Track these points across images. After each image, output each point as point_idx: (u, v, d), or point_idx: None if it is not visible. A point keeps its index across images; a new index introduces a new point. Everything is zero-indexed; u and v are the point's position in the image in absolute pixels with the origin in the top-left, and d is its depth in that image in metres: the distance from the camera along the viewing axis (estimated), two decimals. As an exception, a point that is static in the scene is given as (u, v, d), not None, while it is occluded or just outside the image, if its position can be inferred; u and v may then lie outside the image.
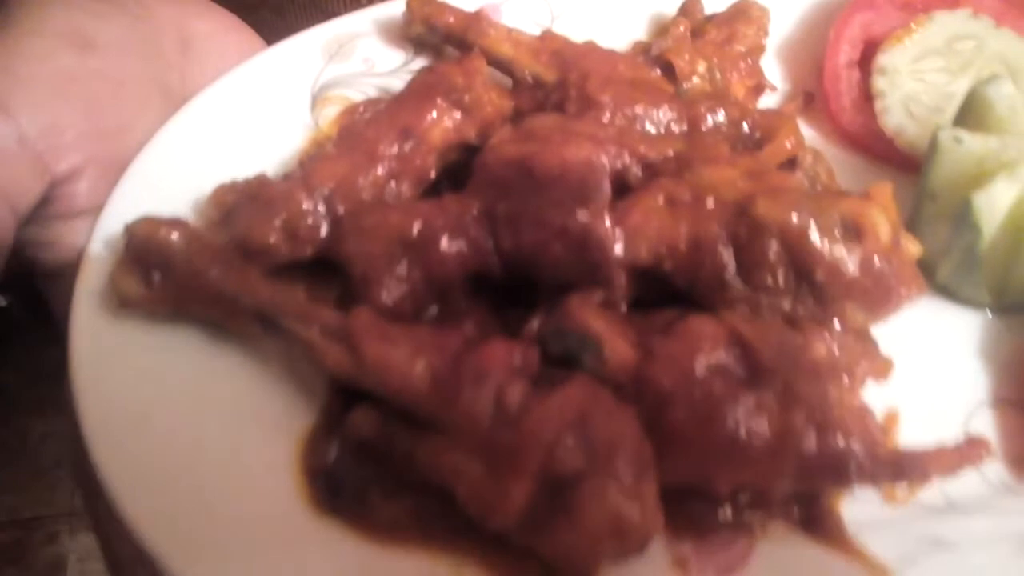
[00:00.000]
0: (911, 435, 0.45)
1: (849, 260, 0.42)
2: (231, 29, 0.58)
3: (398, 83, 0.56)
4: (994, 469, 0.45)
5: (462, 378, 0.38)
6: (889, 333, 0.45)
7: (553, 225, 0.43)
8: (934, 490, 0.44)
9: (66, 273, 0.47)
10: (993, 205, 0.45)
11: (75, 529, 1.76)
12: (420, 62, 0.57)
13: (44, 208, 0.47)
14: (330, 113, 0.54)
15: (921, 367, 0.47)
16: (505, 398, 0.37)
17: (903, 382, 0.45)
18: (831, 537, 0.41)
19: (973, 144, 0.47)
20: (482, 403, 0.37)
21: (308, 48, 0.56)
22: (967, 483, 0.44)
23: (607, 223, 0.42)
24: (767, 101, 0.58)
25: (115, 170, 0.49)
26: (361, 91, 0.56)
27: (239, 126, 0.52)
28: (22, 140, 0.45)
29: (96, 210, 0.48)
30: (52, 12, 0.50)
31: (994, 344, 0.49)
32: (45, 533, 1.74)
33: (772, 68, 0.59)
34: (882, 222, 0.42)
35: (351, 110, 0.54)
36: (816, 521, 0.41)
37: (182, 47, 0.54)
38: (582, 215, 0.43)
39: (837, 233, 0.42)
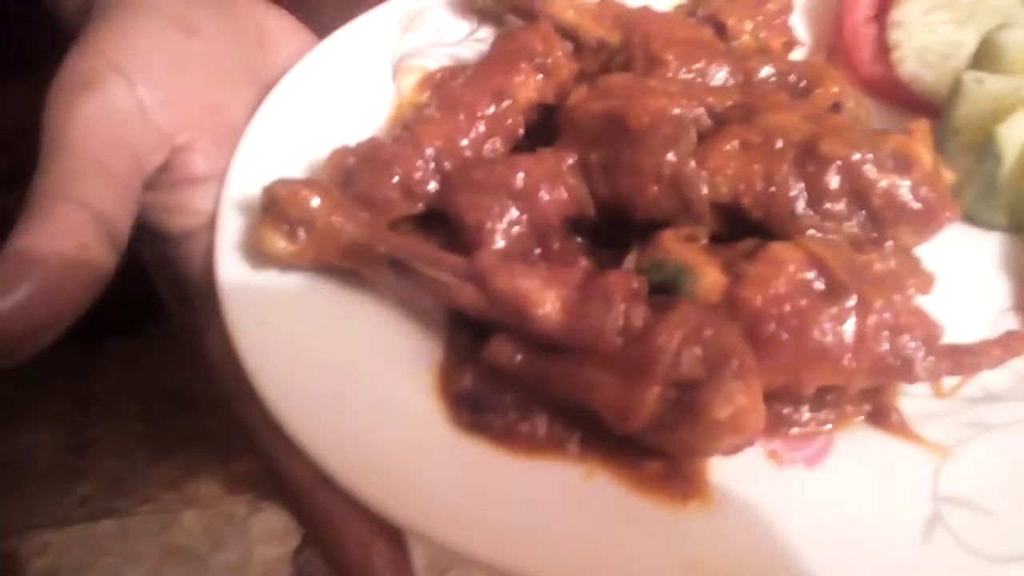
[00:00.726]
0: (951, 338, 0.53)
1: (901, 188, 0.48)
2: (294, 27, 0.63)
3: (466, 51, 0.61)
4: (1021, 364, 0.52)
5: (591, 304, 0.44)
6: (925, 254, 0.52)
7: (648, 170, 0.49)
8: (974, 384, 0.51)
9: (195, 235, 0.52)
10: (1014, 135, 0.52)
11: (68, 540, 1.78)
12: (484, 31, 0.63)
13: (166, 175, 0.50)
14: (410, 81, 0.59)
15: (952, 282, 0.54)
16: (630, 318, 0.43)
17: (939, 295, 0.53)
18: (895, 428, 0.48)
19: (993, 84, 0.54)
20: (611, 324, 0.43)
21: (385, 22, 0.61)
22: (1000, 376, 0.51)
23: (693, 165, 0.49)
24: (797, 55, 0.65)
25: (224, 141, 0.53)
26: (435, 60, 0.61)
27: (333, 96, 0.57)
28: (143, 109, 0.48)
29: (214, 177, 0.52)
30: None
31: (1012, 260, 0.57)
32: (37, 543, 1.74)
33: (800, 24, 0.66)
34: (925, 154, 0.49)
35: (429, 78, 0.59)
36: (882, 415, 0.48)
37: (260, 38, 0.59)
38: (672, 158, 0.49)
39: (890, 165, 0.49)
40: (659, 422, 0.43)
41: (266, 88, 0.57)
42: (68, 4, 0.58)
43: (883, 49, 0.63)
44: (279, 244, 0.48)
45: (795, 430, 0.48)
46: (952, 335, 0.52)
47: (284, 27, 0.61)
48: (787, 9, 0.63)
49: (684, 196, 0.48)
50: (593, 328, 0.44)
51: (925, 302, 0.52)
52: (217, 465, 1.92)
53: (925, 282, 0.51)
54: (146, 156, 0.48)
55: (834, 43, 0.65)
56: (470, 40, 0.62)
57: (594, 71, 0.58)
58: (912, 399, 0.50)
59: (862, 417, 0.49)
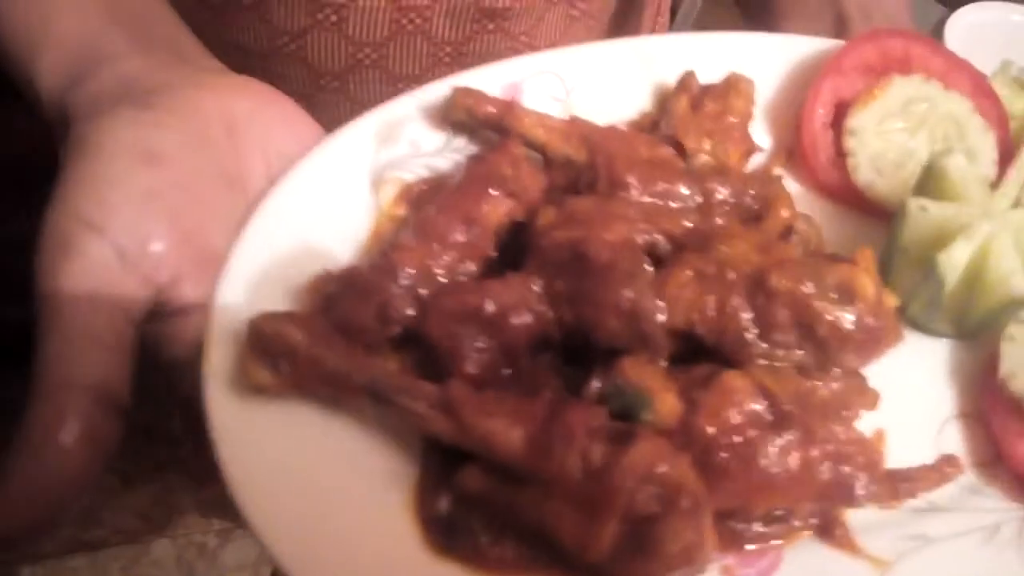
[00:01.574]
0: (894, 448, 0.56)
1: (845, 319, 0.52)
2: (269, 100, 0.62)
3: (442, 162, 0.64)
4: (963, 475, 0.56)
5: (553, 441, 0.47)
6: (876, 363, 0.56)
7: (608, 304, 0.52)
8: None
9: (186, 364, 0.54)
10: (953, 262, 0.56)
11: (40, 574, 1.79)
12: (459, 141, 0.65)
13: (158, 308, 0.53)
14: (388, 193, 0.62)
15: (899, 391, 0.58)
16: (590, 455, 0.47)
17: (888, 405, 0.56)
18: (840, 541, 0.52)
19: (935, 211, 0.57)
20: (572, 460, 0.47)
21: (361, 136, 0.64)
22: (943, 488, 0.55)
23: (651, 299, 0.52)
24: (756, 158, 0.68)
25: (208, 264, 0.55)
26: (411, 171, 0.64)
27: (313, 213, 0.60)
28: (122, 257, 0.50)
29: (200, 302, 0.54)
30: (120, 131, 0.54)
31: (957, 366, 0.60)
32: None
33: (759, 127, 0.69)
34: (868, 284, 0.52)
35: (407, 190, 0.62)
36: (828, 529, 0.52)
37: (228, 131, 0.58)
38: (629, 293, 0.52)
39: (834, 296, 0.52)
40: (616, 554, 0.46)
41: (241, 186, 0.58)
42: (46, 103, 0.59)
43: (840, 155, 0.66)
44: (263, 376, 0.51)
45: (748, 546, 0.51)
46: (898, 443, 0.56)
47: (256, 106, 0.60)
48: (746, 119, 0.66)
49: (641, 330, 0.51)
50: (555, 464, 0.47)
51: (872, 414, 0.56)
52: (188, 495, 1.94)
53: (871, 400, 0.55)
54: (132, 304, 0.50)
55: (794, 147, 0.69)
56: (446, 151, 0.65)
57: (563, 185, 0.61)
58: (860, 511, 0.53)
59: (810, 532, 0.52)
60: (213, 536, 1.93)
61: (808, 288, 0.51)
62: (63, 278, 0.49)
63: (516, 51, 0.81)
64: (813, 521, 0.52)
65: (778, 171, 0.67)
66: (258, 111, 0.61)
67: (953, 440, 0.57)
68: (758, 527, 0.52)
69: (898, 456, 0.55)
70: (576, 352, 0.56)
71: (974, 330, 0.59)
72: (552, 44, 0.86)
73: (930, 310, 0.58)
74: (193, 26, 0.69)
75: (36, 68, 0.59)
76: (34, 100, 0.60)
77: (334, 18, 0.76)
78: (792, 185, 0.67)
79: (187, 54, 0.65)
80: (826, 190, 0.67)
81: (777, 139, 0.70)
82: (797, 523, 0.52)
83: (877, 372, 0.56)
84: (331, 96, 0.79)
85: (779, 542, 0.52)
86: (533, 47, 0.84)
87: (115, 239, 0.50)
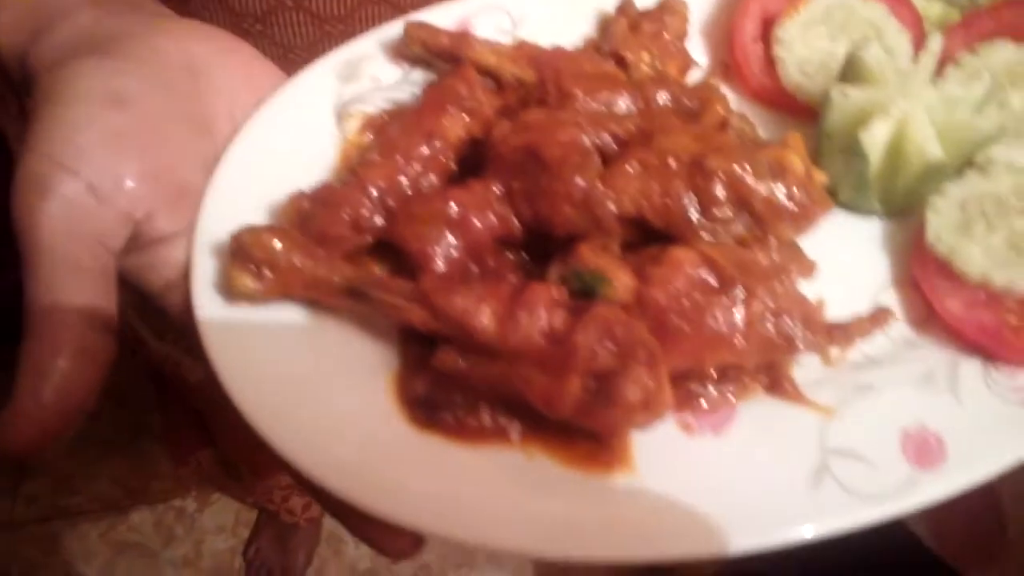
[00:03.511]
0: (835, 314, 0.61)
1: (777, 192, 0.57)
2: (225, 44, 0.65)
3: (402, 94, 0.69)
4: (898, 331, 0.60)
5: (518, 313, 0.52)
6: (813, 242, 0.61)
7: (561, 194, 0.57)
8: (856, 353, 0.60)
9: (174, 286, 0.58)
10: (874, 138, 0.61)
11: (17, 540, 1.80)
12: (417, 74, 0.70)
13: (136, 241, 0.56)
14: (353, 125, 0.67)
15: (838, 264, 0.63)
16: (552, 323, 0.52)
17: (827, 276, 0.61)
18: (789, 394, 0.57)
19: (856, 96, 0.62)
20: (536, 329, 0.51)
21: (324, 74, 0.68)
22: (880, 344, 0.60)
23: (600, 186, 0.57)
24: (695, 74, 0.73)
25: (182, 199, 0.58)
26: (373, 104, 0.68)
27: (284, 146, 0.64)
28: (97, 195, 0.53)
29: (180, 232, 0.58)
30: (84, 78, 0.56)
31: (890, 240, 0.65)
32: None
33: (697, 46, 0.74)
34: (797, 161, 0.58)
35: (370, 121, 0.67)
36: (777, 385, 0.57)
37: (189, 73, 0.61)
38: (581, 181, 0.57)
39: (766, 173, 0.57)
40: (582, 407, 0.51)
41: (206, 127, 0.61)
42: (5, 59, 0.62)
43: (770, 64, 0.71)
44: (248, 283, 0.55)
45: (704, 403, 0.56)
46: (840, 310, 0.61)
47: (214, 51, 0.63)
48: (682, 36, 0.71)
49: (594, 214, 0.56)
50: (521, 333, 0.52)
51: (816, 284, 0.61)
52: (165, 461, 1.96)
53: (807, 268, 0.60)
54: (111, 238, 0.53)
55: (728, 61, 0.74)
56: (404, 84, 0.70)
57: (515, 106, 0.66)
58: (805, 369, 0.58)
59: (761, 388, 0.57)
60: (191, 501, 1.95)
61: (742, 167, 0.56)
62: (42, 216, 0.51)
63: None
64: (763, 379, 0.57)
65: (715, 83, 0.72)
66: (218, 55, 0.63)
67: (889, 304, 0.62)
68: (713, 387, 0.57)
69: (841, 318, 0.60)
70: (539, 250, 0.61)
71: (902, 205, 0.64)
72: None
73: (859, 190, 0.63)
74: None
75: None
76: None
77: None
78: (729, 95, 0.72)
79: (138, 2, 0.67)
80: (759, 97, 0.72)
81: (713, 56, 0.75)
82: (748, 381, 0.57)
83: (816, 249, 0.61)
84: (256, 41, 0.80)
85: (733, 399, 0.56)
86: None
87: (89, 178, 0.53)
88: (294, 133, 0.65)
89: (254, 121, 0.64)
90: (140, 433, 1.98)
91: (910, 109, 0.60)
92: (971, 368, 0.57)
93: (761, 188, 0.57)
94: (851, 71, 0.64)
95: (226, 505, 1.96)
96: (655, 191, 0.57)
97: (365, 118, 0.67)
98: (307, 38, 0.84)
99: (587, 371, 0.50)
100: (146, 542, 1.92)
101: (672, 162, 0.57)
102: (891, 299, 0.62)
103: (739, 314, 0.53)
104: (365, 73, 0.69)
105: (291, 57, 0.86)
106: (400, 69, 0.70)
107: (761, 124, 0.71)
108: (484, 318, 0.52)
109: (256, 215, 0.61)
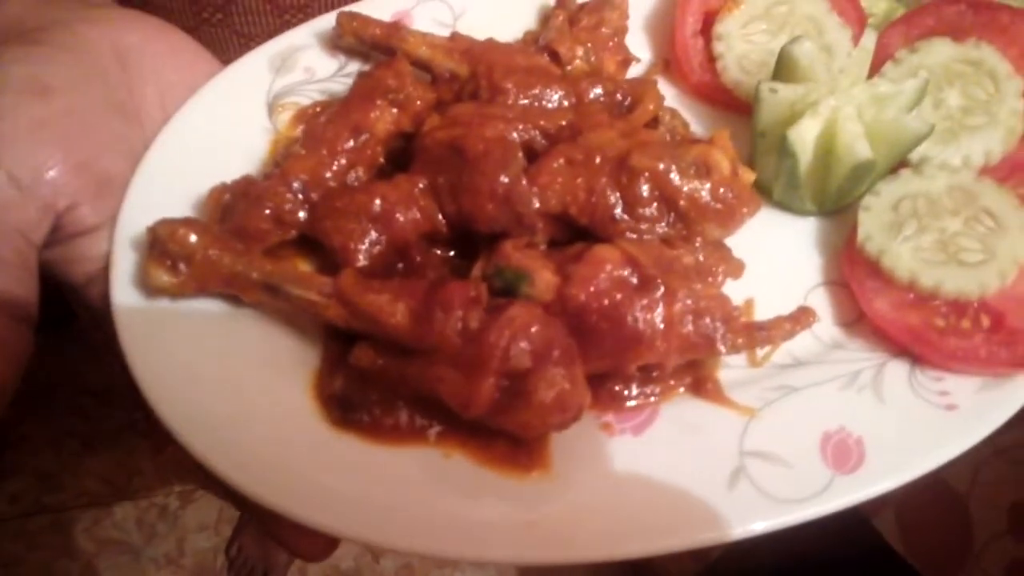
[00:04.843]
0: (764, 314, 0.60)
1: (702, 190, 0.56)
2: (159, 33, 0.64)
3: (337, 86, 0.68)
4: (827, 332, 0.60)
5: (433, 311, 0.51)
6: (745, 240, 0.60)
7: (484, 190, 0.56)
8: (783, 353, 0.59)
9: (96, 280, 0.57)
10: (803, 137, 0.60)
11: (0, 536, 1.79)
12: (353, 65, 0.69)
13: (59, 233, 0.55)
14: (285, 118, 0.66)
15: (769, 263, 0.62)
16: (468, 322, 0.51)
17: (757, 276, 0.61)
18: (711, 395, 0.56)
19: (785, 92, 0.62)
20: (451, 327, 0.51)
21: (257, 65, 0.67)
22: (807, 344, 0.59)
23: (524, 183, 0.56)
24: (636, 69, 0.73)
25: (106, 189, 0.57)
26: (307, 96, 0.67)
27: (212, 138, 0.63)
28: (18, 185, 0.52)
29: (104, 224, 0.57)
30: (9, 66, 0.55)
31: (823, 240, 0.65)
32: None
33: (639, 41, 0.73)
34: (723, 160, 0.57)
35: (302, 113, 0.66)
36: (700, 385, 0.57)
37: (120, 62, 0.60)
38: (504, 179, 0.56)
39: (691, 172, 0.56)
40: (496, 408, 0.50)
41: (135, 117, 0.60)
42: None
43: (710, 60, 0.71)
44: (163, 278, 0.54)
45: (625, 403, 0.56)
46: (770, 310, 0.61)
47: (146, 39, 0.62)
48: (621, 31, 0.70)
49: (515, 212, 0.56)
50: (436, 332, 0.51)
51: (746, 284, 0.61)
52: (148, 459, 1.95)
53: (735, 268, 0.60)
54: (33, 230, 0.53)
55: (669, 56, 0.73)
56: (339, 76, 0.69)
57: (449, 99, 0.65)
58: (730, 369, 0.58)
59: (684, 388, 0.57)
60: (174, 498, 1.95)
61: (667, 165, 0.56)
62: None
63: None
64: (687, 379, 0.57)
65: (656, 78, 0.71)
66: (149, 43, 0.63)
67: (819, 305, 0.61)
68: (635, 387, 0.56)
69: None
70: (468, 246, 0.60)
71: (834, 203, 0.64)
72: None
73: (791, 189, 0.63)
74: None
75: None
76: None
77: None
78: (669, 91, 0.71)
79: None
80: (700, 93, 0.71)
81: (656, 50, 0.74)
82: (672, 382, 0.56)
83: (747, 248, 0.61)
84: (218, 31, 0.81)
85: (655, 399, 0.56)
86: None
87: (10, 168, 0.52)
88: (224, 125, 0.64)
89: (183, 112, 0.64)
90: (124, 430, 1.97)
91: (839, 107, 0.60)
92: (897, 370, 0.57)
93: (686, 186, 0.56)
94: (783, 68, 0.64)
95: (209, 503, 1.95)
96: (580, 188, 0.56)
97: (297, 110, 0.66)
98: (267, 27, 0.82)
99: (501, 371, 0.50)
100: (129, 539, 1.91)
101: (598, 159, 0.57)
102: (822, 299, 0.62)
103: (659, 314, 0.53)
104: (299, 64, 0.68)
105: (252, 47, 0.85)
106: (336, 61, 0.69)
107: (701, 120, 0.71)
108: (399, 315, 0.52)
109: (180, 208, 0.60)
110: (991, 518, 1.25)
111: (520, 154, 0.57)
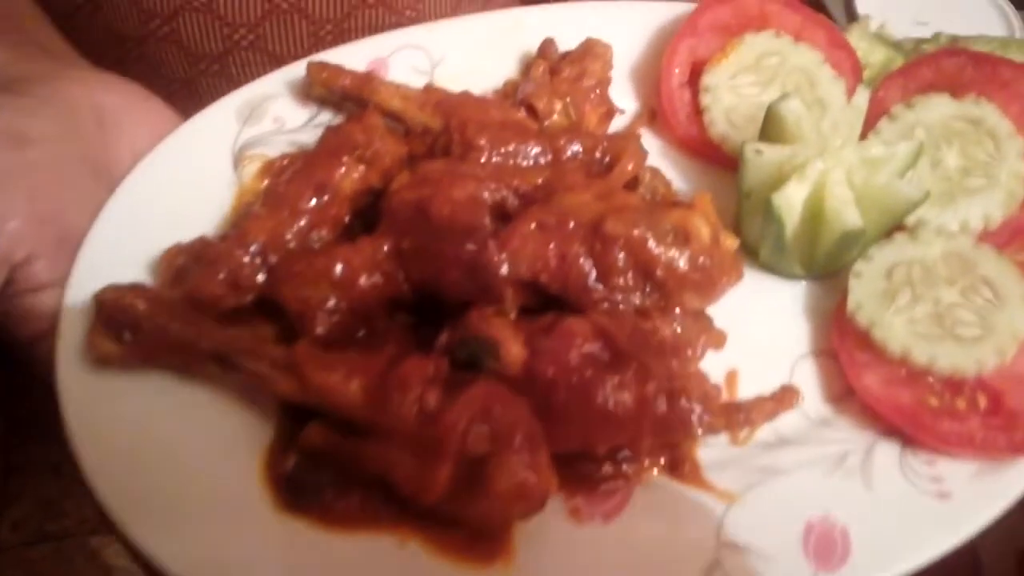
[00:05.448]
0: (750, 388, 0.57)
1: (680, 259, 0.53)
2: (138, 98, 0.64)
3: (307, 137, 0.65)
4: (814, 408, 0.57)
5: (388, 391, 0.48)
6: (728, 306, 0.57)
7: (448, 256, 0.53)
8: (768, 430, 0.56)
9: (44, 339, 0.55)
10: (789, 201, 0.57)
11: (2, 565, 1.77)
12: (325, 115, 0.66)
13: (10, 288, 0.53)
14: (251, 170, 0.63)
15: (755, 332, 0.59)
16: (424, 402, 0.48)
17: (741, 346, 0.58)
18: (688, 477, 0.53)
19: (770, 154, 0.59)
20: (406, 408, 0.48)
21: (224, 115, 0.64)
22: (793, 422, 0.56)
23: (491, 249, 0.53)
24: (622, 120, 0.70)
25: (66, 245, 0.56)
26: (275, 148, 0.65)
27: (174, 192, 0.61)
28: None
29: (58, 282, 0.55)
30: None
31: (811, 306, 0.61)
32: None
33: (624, 90, 0.70)
34: (703, 226, 0.54)
35: (269, 166, 0.63)
36: (677, 466, 0.53)
37: (97, 122, 0.60)
38: (470, 245, 0.53)
39: (669, 239, 0.53)
40: (452, 496, 0.47)
41: (108, 176, 0.59)
42: None
43: (697, 112, 0.68)
44: (108, 347, 0.52)
45: (596, 487, 0.52)
46: (753, 385, 0.58)
47: (124, 102, 0.62)
48: (604, 83, 0.67)
49: (483, 281, 0.52)
50: (391, 412, 0.48)
51: (729, 354, 0.58)
52: None
53: (716, 338, 0.56)
54: None
55: (655, 107, 0.70)
56: (310, 126, 0.66)
57: (422, 152, 0.62)
58: (710, 448, 0.55)
59: (659, 469, 0.53)
60: None
61: (643, 232, 0.53)
62: None
63: (402, 26, 0.81)
64: (663, 459, 0.53)
65: (641, 131, 0.68)
66: (128, 107, 0.63)
67: (806, 377, 0.58)
68: (607, 468, 0.53)
69: (752, 394, 0.57)
70: (433, 312, 0.57)
71: (822, 268, 0.60)
72: (441, 18, 0.85)
73: (777, 252, 0.60)
74: (67, 14, 0.70)
75: None
76: None
77: (204, -2, 0.76)
78: (655, 143, 0.68)
79: (55, 50, 0.67)
80: (686, 146, 0.68)
81: (642, 101, 0.71)
82: (646, 462, 0.53)
83: (732, 314, 0.57)
84: (214, 80, 0.79)
85: (627, 482, 0.52)
86: (420, 22, 0.84)
87: None
88: (187, 177, 0.62)
89: (144, 163, 0.61)
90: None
91: (828, 170, 0.57)
92: (887, 452, 0.54)
93: (663, 255, 0.53)
94: (770, 126, 0.61)
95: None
96: (552, 255, 0.53)
97: (264, 162, 0.64)
98: (301, 46, 0.80)
99: (459, 456, 0.47)
100: (132, 566, 1.89)
101: (571, 223, 0.54)
102: (809, 371, 0.59)
103: (631, 394, 0.50)
104: (268, 114, 0.66)
105: None
106: (307, 110, 0.67)
107: (687, 175, 0.68)
108: (352, 393, 0.49)
109: (136, 268, 0.57)
110: (1002, 565, 1.22)
111: (487, 218, 0.54)
